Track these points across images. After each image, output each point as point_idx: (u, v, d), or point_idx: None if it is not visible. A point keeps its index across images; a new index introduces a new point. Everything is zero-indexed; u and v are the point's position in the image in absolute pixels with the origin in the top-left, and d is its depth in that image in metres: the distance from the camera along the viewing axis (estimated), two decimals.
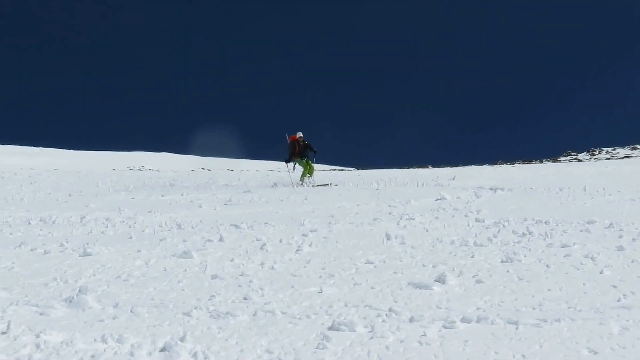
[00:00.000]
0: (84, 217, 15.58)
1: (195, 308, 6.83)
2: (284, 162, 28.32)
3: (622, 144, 74.63)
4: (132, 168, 53.17)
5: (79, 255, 10.09)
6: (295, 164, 27.92)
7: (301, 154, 27.71)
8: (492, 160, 58.25)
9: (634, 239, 11.16)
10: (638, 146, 71.82)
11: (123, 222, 14.76)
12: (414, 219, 14.44)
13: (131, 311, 6.76)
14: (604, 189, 22.38)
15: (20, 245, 10.98)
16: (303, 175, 27.86)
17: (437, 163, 56.54)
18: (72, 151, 71.27)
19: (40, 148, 73.85)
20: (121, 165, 56.05)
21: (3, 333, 5.89)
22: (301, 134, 27.87)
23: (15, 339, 5.74)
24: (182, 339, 5.74)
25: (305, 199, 19.99)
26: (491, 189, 23.32)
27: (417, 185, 24.79)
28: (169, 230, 13.26)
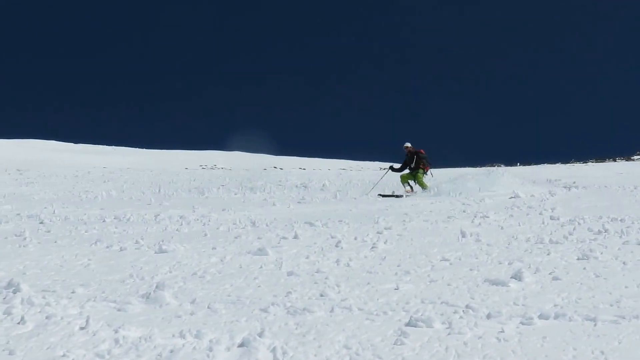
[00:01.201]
0: (158, 214, 15.75)
1: (272, 304, 6.84)
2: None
3: None
4: (204, 167, 53.65)
5: (155, 253, 10.20)
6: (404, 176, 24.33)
7: (412, 166, 24.35)
8: (565, 159, 57.50)
9: None
10: None
11: (197, 219, 14.91)
12: (488, 217, 14.37)
13: (208, 307, 6.80)
14: None
15: (95, 243, 11.12)
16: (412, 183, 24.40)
17: (510, 161, 55.96)
18: (144, 150, 72.09)
19: (113, 147, 74.86)
20: (193, 163, 56.54)
21: (82, 328, 5.94)
22: (408, 144, 24.58)
23: (94, 334, 5.78)
24: (261, 335, 5.77)
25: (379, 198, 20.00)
26: (565, 187, 23.09)
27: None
28: (244, 227, 13.36)
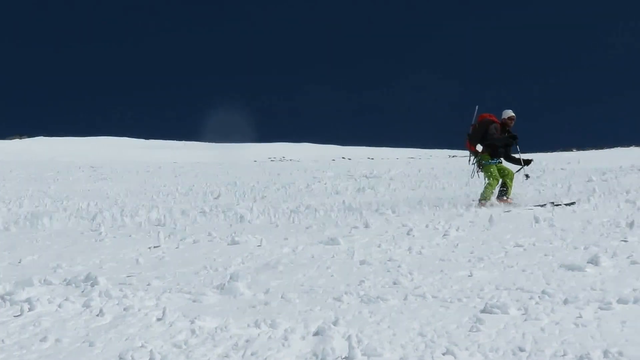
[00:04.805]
0: (230, 207, 15.84)
1: (346, 293, 6.83)
2: (471, 157, 15.70)
3: None
4: (272, 159, 53.79)
5: (227, 244, 10.29)
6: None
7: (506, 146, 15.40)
8: (638, 142, 56.39)
9: None
10: None
11: (267, 211, 14.97)
12: (561, 202, 14.17)
13: (282, 297, 6.81)
14: None
15: (169, 236, 11.26)
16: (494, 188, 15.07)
17: (581, 145, 55.04)
18: (213, 144, 72.54)
19: (183, 142, 75.46)
20: (262, 156, 56.71)
21: (159, 320, 6.00)
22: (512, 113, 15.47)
23: (171, 325, 5.83)
24: (335, 323, 5.75)
25: (455, 182, 19.90)
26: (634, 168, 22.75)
27: None
28: (314, 218, 13.38)
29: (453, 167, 29.45)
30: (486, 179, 15.06)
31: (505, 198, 14.95)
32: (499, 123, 15.16)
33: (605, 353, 4.84)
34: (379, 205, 15.19)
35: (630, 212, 12.18)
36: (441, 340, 5.29)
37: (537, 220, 11.32)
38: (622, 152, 42.59)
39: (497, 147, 15.02)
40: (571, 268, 7.63)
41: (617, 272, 7.46)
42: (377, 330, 5.62)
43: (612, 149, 48.83)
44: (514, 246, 9.30)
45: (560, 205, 13.57)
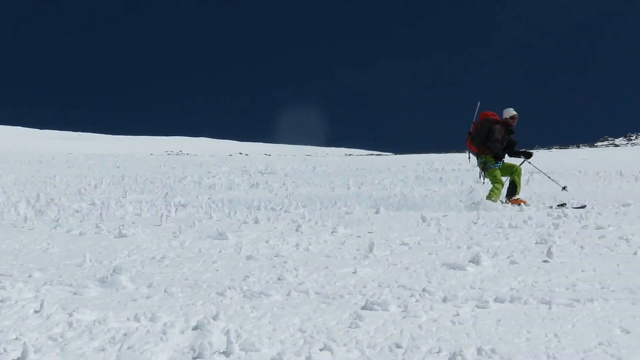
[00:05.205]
0: (120, 199, 15.69)
1: (229, 288, 6.80)
2: (470, 155, 15.79)
3: None
4: (169, 153, 53.47)
5: (114, 237, 10.19)
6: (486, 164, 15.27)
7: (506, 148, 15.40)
8: (529, 146, 57.80)
9: None
10: None
11: (158, 204, 14.87)
12: (448, 202, 14.40)
13: (165, 291, 6.75)
14: None
15: (55, 227, 11.07)
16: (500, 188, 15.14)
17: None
18: (110, 136, 71.91)
19: (79, 133, 74.48)
20: (159, 149, 56.34)
21: (36, 312, 5.89)
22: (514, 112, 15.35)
23: (48, 318, 5.72)
24: (215, 318, 5.73)
25: (348, 181, 20.02)
26: (528, 172, 23.24)
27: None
28: (205, 212, 13.33)
29: (347, 166, 29.68)
30: (491, 182, 15.21)
31: (515, 198, 14.98)
32: (501, 122, 15.12)
33: (479, 350, 4.93)
34: (271, 201, 15.25)
35: (513, 214, 12.48)
36: (320, 336, 5.32)
37: (424, 220, 11.49)
38: None
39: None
40: (453, 267, 7.76)
41: (496, 271, 7.61)
42: (257, 325, 5.61)
43: None
44: (400, 244, 9.42)
45: (569, 207, 13.74)
